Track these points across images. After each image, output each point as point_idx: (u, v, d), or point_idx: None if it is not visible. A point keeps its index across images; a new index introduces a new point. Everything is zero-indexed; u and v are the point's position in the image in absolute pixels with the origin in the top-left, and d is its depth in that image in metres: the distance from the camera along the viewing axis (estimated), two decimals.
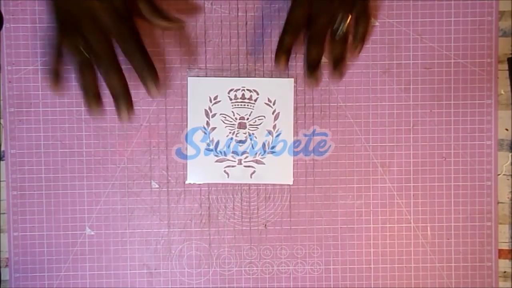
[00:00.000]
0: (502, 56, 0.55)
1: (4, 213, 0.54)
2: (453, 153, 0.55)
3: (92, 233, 0.55)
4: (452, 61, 0.54)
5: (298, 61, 0.54)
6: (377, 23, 0.54)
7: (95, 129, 0.54)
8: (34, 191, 0.54)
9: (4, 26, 0.53)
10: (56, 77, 0.46)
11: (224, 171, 0.54)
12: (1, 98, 0.54)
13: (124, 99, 0.45)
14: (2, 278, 0.54)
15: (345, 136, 0.55)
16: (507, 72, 0.55)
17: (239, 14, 0.54)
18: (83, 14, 0.45)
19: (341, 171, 0.55)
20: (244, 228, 0.55)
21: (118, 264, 0.55)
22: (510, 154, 0.55)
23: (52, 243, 0.54)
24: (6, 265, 0.55)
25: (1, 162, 0.54)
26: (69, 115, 0.54)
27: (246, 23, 0.54)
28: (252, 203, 0.55)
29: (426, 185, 0.55)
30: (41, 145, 0.54)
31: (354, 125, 0.55)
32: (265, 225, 0.55)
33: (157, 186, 0.54)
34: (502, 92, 0.55)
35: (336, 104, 0.54)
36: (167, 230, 0.55)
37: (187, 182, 0.54)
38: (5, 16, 0.53)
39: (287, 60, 0.46)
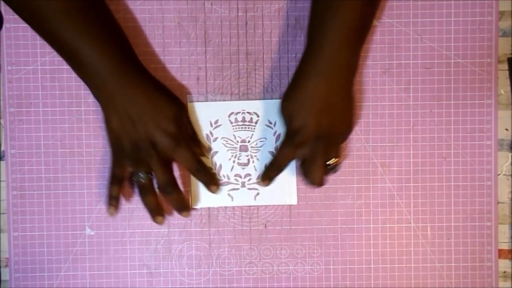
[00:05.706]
0: (502, 56, 0.55)
1: (4, 213, 0.54)
2: (453, 153, 0.55)
3: (92, 233, 0.55)
4: (452, 61, 0.54)
5: None
6: (377, 23, 0.54)
7: (95, 129, 0.54)
8: (34, 191, 0.54)
9: (4, 26, 0.53)
10: (116, 202, 0.52)
11: (228, 194, 0.54)
12: (1, 98, 0.54)
13: (187, 210, 0.52)
14: (2, 278, 0.54)
15: None
16: (507, 72, 0.55)
17: (239, 14, 0.54)
18: (142, 142, 0.49)
19: (341, 171, 0.55)
20: (244, 228, 0.55)
21: (118, 264, 0.55)
22: (510, 154, 0.55)
23: (52, 243, 0.54)
24: (6, 265, 0.55)
25: (1, 162, 0.54)
26: (69, 115, 0.54)
27: (246, 23, 0.54)
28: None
29: (426, 185, 0.55)
30: (41, 145, 0.54)
31: None
32: (265, 225, 0.55)
33: (157, 185, 0.54)
34: (502, 92, 0.55)
35: None
36: (167, 230, 0.55)
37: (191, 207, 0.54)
38: (5, 16, 0.53)
39: (270, 182, 0.53)
